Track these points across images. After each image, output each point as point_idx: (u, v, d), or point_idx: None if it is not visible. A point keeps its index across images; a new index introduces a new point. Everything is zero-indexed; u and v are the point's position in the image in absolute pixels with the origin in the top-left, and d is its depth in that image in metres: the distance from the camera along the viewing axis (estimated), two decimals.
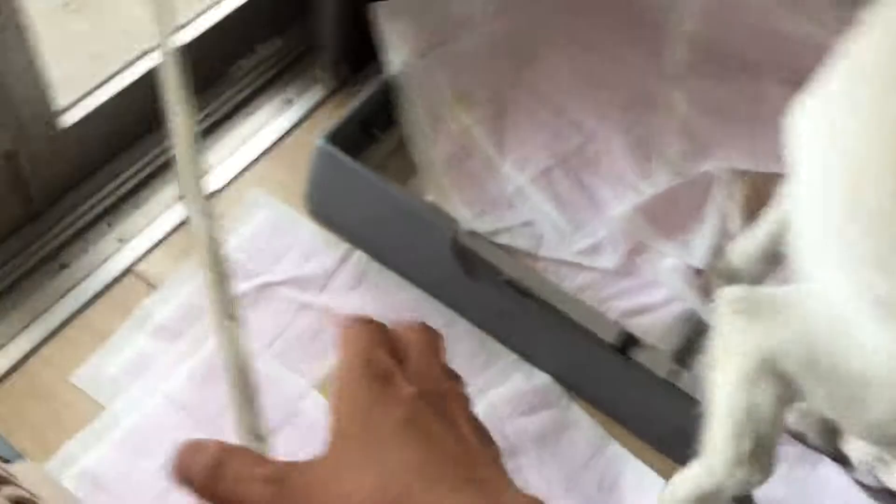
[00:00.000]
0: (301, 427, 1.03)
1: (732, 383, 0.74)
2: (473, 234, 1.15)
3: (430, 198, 1.17)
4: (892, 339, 0.62)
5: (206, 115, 1.22)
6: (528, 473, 1.04)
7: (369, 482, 0.35)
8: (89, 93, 1.09)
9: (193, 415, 1.01)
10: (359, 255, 1.17)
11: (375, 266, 1.17)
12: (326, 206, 1.19)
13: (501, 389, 1.10)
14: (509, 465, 1.02)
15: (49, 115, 1.02)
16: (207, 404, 1.02)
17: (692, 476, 0.85)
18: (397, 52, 1.19)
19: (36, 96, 0.99)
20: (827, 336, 0.67)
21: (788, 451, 1.03)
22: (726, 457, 0.78)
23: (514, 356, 1.13)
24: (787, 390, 0.71)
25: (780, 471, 0.81)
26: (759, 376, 0.72)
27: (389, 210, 1.14)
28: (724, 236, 1.21)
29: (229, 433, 0.99)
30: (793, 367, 0.70)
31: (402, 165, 1.22)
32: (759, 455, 0.77)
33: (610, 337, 1.09)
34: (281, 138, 1.24)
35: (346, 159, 1.12)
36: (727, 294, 0.77)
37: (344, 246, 1.17)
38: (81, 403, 0.98)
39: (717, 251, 1.20)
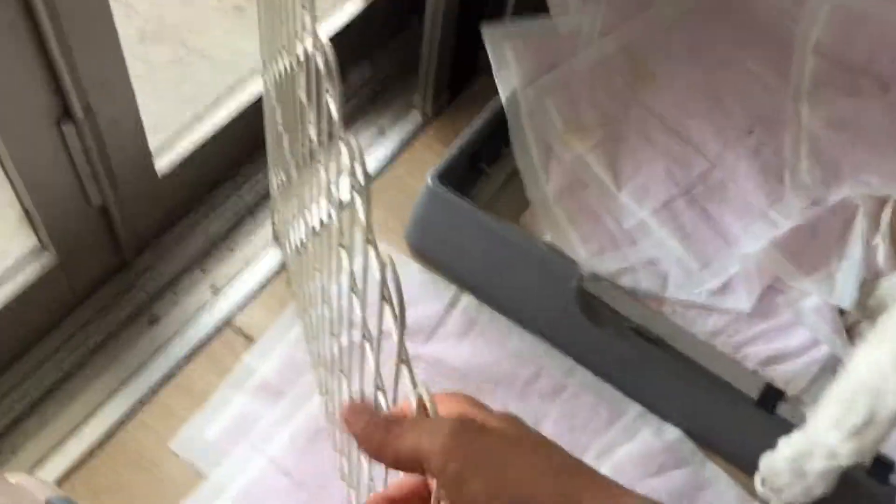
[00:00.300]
0: None
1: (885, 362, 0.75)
2: (596, 277, 1.05)
3: (547, 237, 1.08)
4: None
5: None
6: None
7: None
8: (181, 134, 1.02)
9: (298, 480, 0.93)
10: (468, 300, 1.08)
11: (487, 311, 1.08)
12: (433, 247, 1.10)
13: (628, 447, 1.00)
14: None
15: (145, 161, 0.95)
16: (313, 469, 0.94)
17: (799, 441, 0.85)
18: (509, 77, 1.10)
19: (133, 142, 0.92)
20: None
21: None
22: (833, 422, 0.80)
23: (639, 408, 1.03)
24: None
25: None
26: None
27: (504, 251, 1.04)
28: (871, 271, 1.09)
29: (336, 499, 0.92)
30: None
31: (512, 201, 1.13)
32: (863, 436, 0.78)
33: (751, 390, 0.98)
34: (379, 171, 1.16)
35: (456, 198, 1.03)
36: None
37: (452, 289, 1.09)
38: (181, 471, 0.91)
39: (865, 288, 1.08)
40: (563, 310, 1.01)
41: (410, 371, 0.47)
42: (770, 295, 1.07)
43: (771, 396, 0.98)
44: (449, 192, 1.03)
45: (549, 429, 1.01)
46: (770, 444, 0.99)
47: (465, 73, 1.21)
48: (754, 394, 0.98)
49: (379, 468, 0.56)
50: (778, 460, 0.89)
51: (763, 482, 0.91)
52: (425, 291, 1.08)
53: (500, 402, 1.02)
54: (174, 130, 1.03)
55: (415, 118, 1.22)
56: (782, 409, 0.97)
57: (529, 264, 1.02)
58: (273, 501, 0.92)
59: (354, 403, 0.44)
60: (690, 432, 1.02)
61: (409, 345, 1.05)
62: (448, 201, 1.03)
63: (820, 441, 0.83)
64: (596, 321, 1.01)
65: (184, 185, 1.03)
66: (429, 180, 1.03)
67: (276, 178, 0.96)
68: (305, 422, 0.97)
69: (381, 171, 1.17)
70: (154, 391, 0.95)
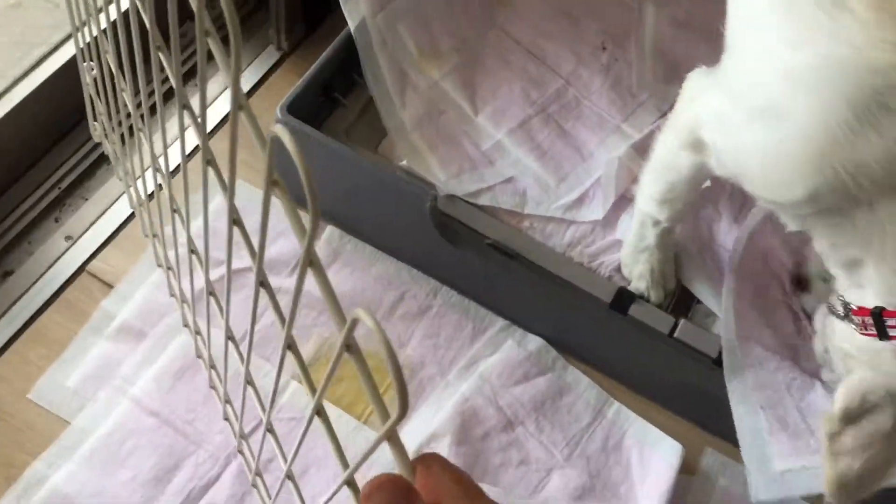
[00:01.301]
0: (283, 421, 0.96)
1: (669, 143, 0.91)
2: (452, 198, 1.07)
3: (403, 163, 1.09)
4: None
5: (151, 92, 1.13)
6: (528, 444, 0.98)
7: None
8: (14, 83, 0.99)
9: (165, 418, 0.94)
10: (331, 231, 1.10)
11: (350, 241, 1.09)
12: (291, 181, 1.10)
13: (493, 358, 1.03)
14: (505, 438, 0.96)
15: None
16: (180, 406, 0.95)
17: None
18: (357, 5, 1.09)
19: None
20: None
21: None
22: (649, 196, 0.96)
23: (503, 322, 1.06)
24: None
25: None
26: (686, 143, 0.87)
27: (361, 180, 1.05)
28: None
29: (204, 436, 0.93)
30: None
31: (369, 130, 1.13)
32: (673, 202, 0.94)
33: (605, 295, 1.02)
34: None
35: (308, 130, 1.03)
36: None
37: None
38: (44, 419, 0.91)
39: None
40: (422, 232, 1.03)
41: (271, 295, 0.47)
42: (622, 204, 1.11)
43: (624, 299, 1.02)
44: (299, 123, 1.03)
45: (415, 349, 1.03)
46: (625, 344, 1.04)
47: (321, 5, 1.20)
48: (608, 298, 1.02)
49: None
50: (625, 247, 1.04)
51: (623, 270, 1.05)
52: (286, 225, 1.08)
53: (365, 327, 1.04)
54: (11, 77, 1.00)
55: (271, 54, 1.21)
56: (634, 310, 1.02)
57: (385, 190, 1.03)
58: (140, 440, 0.92)
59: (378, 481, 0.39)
60: (552, 340, 1.06)
61: (272, 278, 1.05)
62: (300, 133, 1.03)
63: (645, 211, 0.99)
64: (453, 240, 1.03)
65: (24, 134, 1.01)
66: (278, 112, 1.03)
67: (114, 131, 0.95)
68: (170, 361, 0.97)
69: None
70: (9, 344, 0.94)
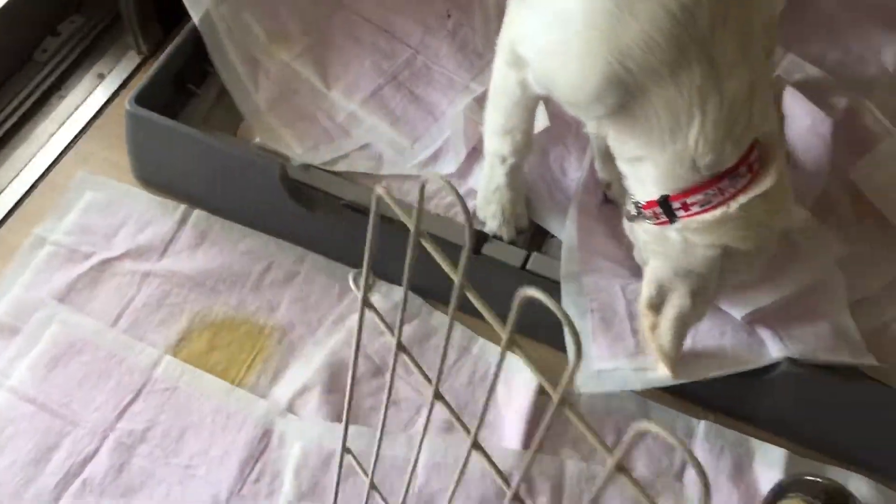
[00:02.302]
0: (158, 392, 1.00)
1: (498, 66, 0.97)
2: (307, 167, 1.12)
3: (256, 140, 1.14)
4: None
5: (18, 105, 1.18)
6: (398, 387, 1.03)
7: None
8: None
9: (42, 404, 0.97)
10: (197, 214, 1.14)
11: (217, 221, 1.14)
12: (154, 172, 1.15)
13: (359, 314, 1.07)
14: (375, 383, 1.00)
15: None
16: (56, 391, 0.99)
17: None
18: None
19: None
20: None
21: None
22: (492, 130, 1.02)
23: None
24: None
25: None
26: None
27: (215, 161, 1.10)
28: None
29: (80, 415, 0.97)
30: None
31: (227, 117, 1.18)
32: (513, 132, 1.00)
33: (459, 238, 1.07)
34: (98, 113, 1.20)
35: (158, 118, 1.08)
36: None
37: (181, 208, 1.14)
38: None
39: None
40: (279, 202, 1.08)
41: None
42: (475, 157, 1.16)
43: (476, 240, 1.08)
44: (147, 112, 1.08)
45: (284, 313, 1.08)
46: (484, 283, 1.09)
47: (173, 6, 1.25)
48: (461, 241, 1.07)
49: None
50: (478, 193, 1.09)
51: (478, 213, 1.09)
52: (154, 214, 1.13)
53: (235, 298, 1.08)
54: None
55: (132, 58, 1.26)
56: (487, 249, 1.07)
57: (238, 166, 1.08)
58: (19, 427, 0.96)
59: None
60: (417, 290, 1.10)
61: (141, 264, 1.10)
62: (151, 122, 1.08)
63: (491, 150, 1.04)
64: (309, 206, 1.08)
65: None
66: (126, 104, 1.08)
67: None
68: (44, 350, 1.01)
69: (103, 112, 1.21)
70: None
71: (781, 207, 0.83)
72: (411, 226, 0.46)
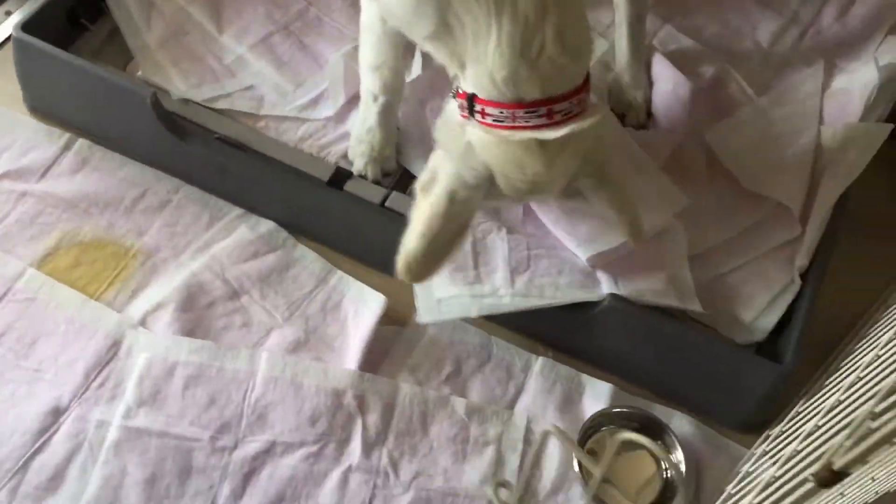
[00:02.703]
0: (18, 301, 1.04)
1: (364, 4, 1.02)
2: (185, 101, 1.17)
3: (139, 73, 1.19)
4: None
5: None
6: (251, 309, 1.07)
7: None
8: None
9: None
10: (81, 142, 1.19)
11: (99, 150, 1.18)
12: (42, 100, 1.20)
13: (225, 242, 1.12)
14: (230, 305, 1.04)
15: None
16: None
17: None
18: None
19: None
20: None
21: None
22: (365, 66, 1.07)
23: (239, 211, 1.15)
24: None
25: None
26: None
27: (97, 90, 1.15)
28: None
29: None
30: None
31: (118, 53, 1.23)
32: (381, 69, 1.06)
33: (324, 174, 1.12)
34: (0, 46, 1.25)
35: (43, 45, 1.13)
36: None
37: (66, 136, 1.19)
38: None
39: None
40: (153, 131, 1.12)
41: None
42: (354, 102, 1.21)
43: (341, 177, 1.12)
44: (35, 39, 1.13)
45: (151, 237, 1.12)
46: (347, 218, 1.14)
47: None
48: (326, 177, 1.12)
49: None
50: (352, 134, 1.14)
51: (349, 154, 1.14)
52: (39, 140, 1.18)
53: (106, 221, 1.13)
54: None
55: None
56: (350, 186, 1.11)
57: (115, 95, 1.13)
58: None
59: None
60: (284, 223, 1.15)
61: (19, 184, 1.14)
62: (39, 50, 1.13)
63: (365, 88, 1.08)
64: (183, 136, 1.13)
65: None
66: (13, 31, 1.13)
67: None
68: None
69: (3, 46, 1.26)
70: None
71: (555, 164, 0.83)
72: None
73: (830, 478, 0.64)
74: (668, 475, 0.99)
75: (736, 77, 1.24)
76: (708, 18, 1.33)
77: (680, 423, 1.03)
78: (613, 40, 1.24)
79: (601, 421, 1.01)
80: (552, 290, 1.02)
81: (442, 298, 1.02)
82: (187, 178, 1.17)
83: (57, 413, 0.97)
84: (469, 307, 1.01)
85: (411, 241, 0.86)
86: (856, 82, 1.20)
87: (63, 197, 1.14)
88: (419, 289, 1.03)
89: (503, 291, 1.02)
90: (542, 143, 0.81)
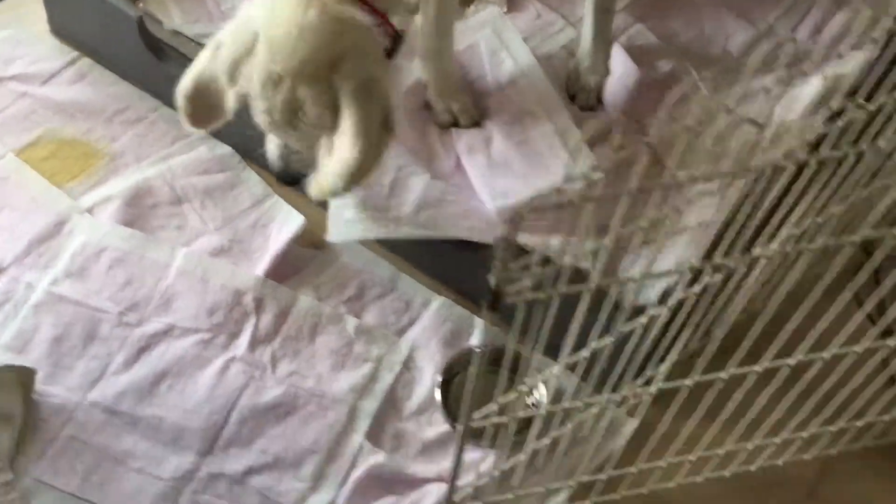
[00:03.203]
0: None
1: None
2: (176, 32, 1.30)
3: (140, 5, 1.33)
4: None
5: None
6: (189, 216, 1.17)
7: None
8: None
9: None
10: (84, 60, 1.33)
11: (98, 68, 1.33)
12: (61, 22, 1.36)
13: (183, 157, 1.24)
14: (173, 209, 1.14)
15: None
16: None
17: None
18: None
19: None
20: None
21: None
22: None
23: (203, 134, 1.27)
24: None
25: None
26: None
27: (96, 12, 1.29)
28: None
29: None
30: None
31: None
32: None
33: None
34: None
35: None
36: None
37: (74, 54, 1.34)
38: None
39: None
40: (139, 52, 1.25)
41: None
42: None
43: None
44: None
45: (121, 144, 1.25)
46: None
47: None
48: None
49: None
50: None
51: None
52: (51, 54, 1.34)
53: (87, 126, 1.26)
54: None
55: None
56: None
57: (114, 18, 1.27)
58: None
59: None
60: (238, 149, 1.25)
61: (23, 86, 1.28)
62: None
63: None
64: (162, 58, 1.25)
65: None
66: None
67: None
68: None
69: None
70: None
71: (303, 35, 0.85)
72: None
73: None
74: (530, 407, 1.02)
75: (693, 74, 1.28)
76: (683, 25, 1.38)
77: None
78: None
79: (469, 359, 1.05)
80: (452, 228, 1.08)
81: (350, 219, 1.09)
82: (165, 98, 1.29)
83: None
84: (371, 229, 1.08)
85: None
86: (805, 91, 1.23)
87: (56, 101, 1.28)
88: (332, 209, 1.10)
89: (405, 220, 1.08)
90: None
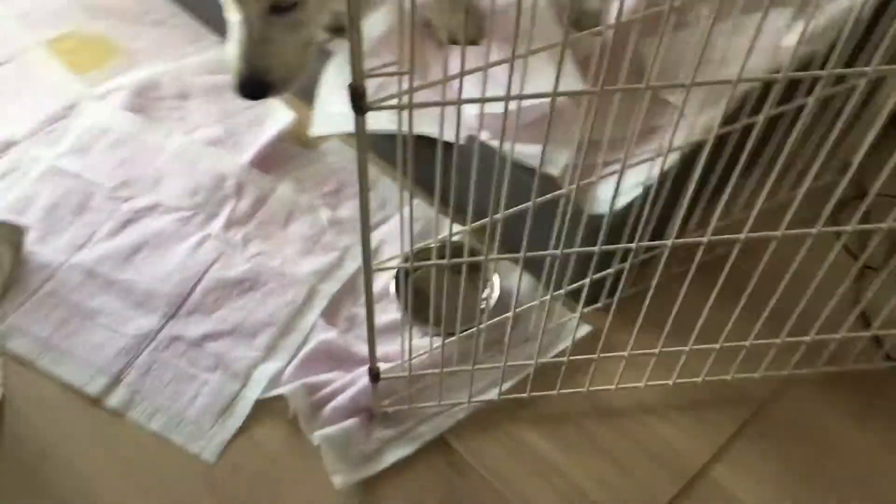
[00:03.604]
0: (20, 65, 1.28)
1: None
2: None
3: None
4: None
5: None
6: (190, 109, 1.24)
7: None
8: None
9: None
10: None
11: None
12: None
13: (195, 58, 1.31)
14: (177, 103, 1.22)
15: None
16: None
17: None
18: None
19: None
20: None
21: None
22: None
23: (218, 38, 1.33)
24: None
25: None
26: None
27: None
28: None
29: None
30: None
31: None
32: None
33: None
34: None
35: None
36: None
37: None
38: None
39: None
40: None
41: None
42: None
43: None
44: None
45: (142, 43, 1.33)
46: None
47: None
48: None
49: None
50: None
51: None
52: None
53: (112, 24, 1.35)
54: None
55: None
56: None
57: None
58: None
59: None
60: None
61: None
62: None
63: None
64: None
65: None
66: None
67: None
68: None
69: None
70: None
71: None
72: None
73: None
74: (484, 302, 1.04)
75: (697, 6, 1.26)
76: None
77: (508, 272, 1.08)
78: None
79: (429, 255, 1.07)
80: (427, 126, 1.10)
81: (332, 113, 1.13)
82: (187, 4, 1.37)
83: (9, 144, 1.18)
84: (351, 123, 1.11)
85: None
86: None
87: (87, 2, 1.37)
88: (318, 103, 1.14)
89: (385, 117, 1.11)
90: None
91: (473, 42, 1.25)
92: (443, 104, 0.68)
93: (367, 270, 0.76)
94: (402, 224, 0.88)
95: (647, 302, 0.87)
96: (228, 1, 0.92)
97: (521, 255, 0.85)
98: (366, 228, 0.72)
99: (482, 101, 0.69)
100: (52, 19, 1.34)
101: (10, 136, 1.19)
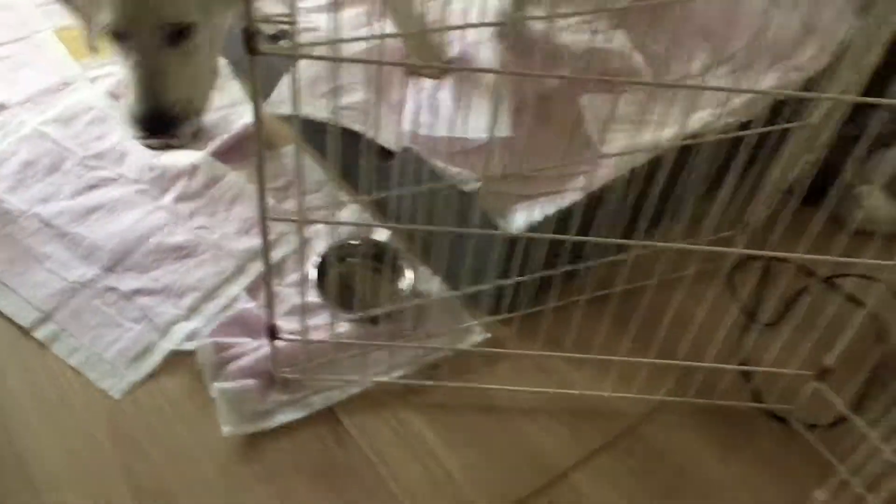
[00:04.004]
0: (31, 45, 1.42)
1: None
2: None
3: None
4: None
5: None
6: None
7: None
8: None
9: None
10: None
11: None
12: None
13: None
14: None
15: None
16: None
17: None
18: None
19: None
20: None
21: None
22: None
23: None
24: None
25: None
26: None
27: None
28: None
29: None
30: None
31: None
32: None
33: None
34: None
35: None
36: None
37: None
38: None
39: None
40: None
41: None
42: None
43: None
44: None
45: None
46: None
47: None
48: None
49: None
50: None
51: None
52: None
53: None
54: None
55: None
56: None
57: None
58: None
59: None
60: (231, 61, 1.44)
61: None
62: None
63: None
64: None
65: None
66: None
67: None
68: None
69: None
70: None
71: None
72: None
73: None
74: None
75: (637, 59, 1.38)
76: (651, 38, 1.49)
77: (428, 279, 1.17)
78: None
79: (351, 251, 1.17)
80: (367, 128, 1.21)
81: (286, 96, 1.23)
82: None
83: (2, 107, 1.31)
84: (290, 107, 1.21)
85: None
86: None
87: None
88: (278, 87, 1.25)
89: (331, 108, 1.21)
90: None
91: (436, 78, 1.37)
92: (332, 59, 0.78)
93: (264, 220, 0.86)
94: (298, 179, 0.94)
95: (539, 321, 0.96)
96: (118, 46, 0.98)
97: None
98: (261, 177, 0.82)
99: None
100: (64, 11, 1.49)
101: (5, 100, 1.32)
